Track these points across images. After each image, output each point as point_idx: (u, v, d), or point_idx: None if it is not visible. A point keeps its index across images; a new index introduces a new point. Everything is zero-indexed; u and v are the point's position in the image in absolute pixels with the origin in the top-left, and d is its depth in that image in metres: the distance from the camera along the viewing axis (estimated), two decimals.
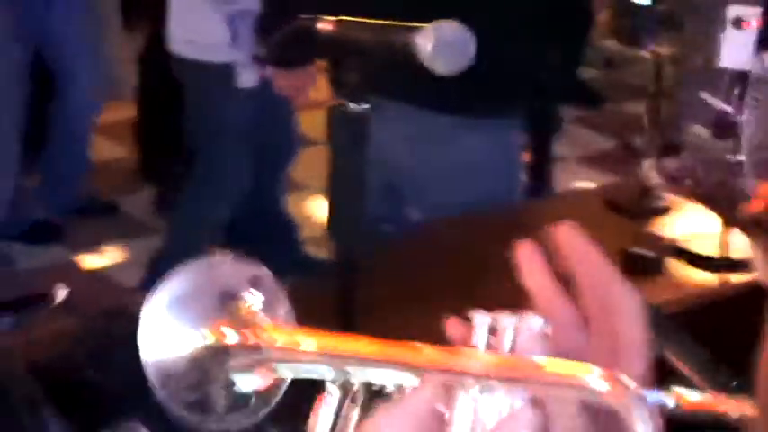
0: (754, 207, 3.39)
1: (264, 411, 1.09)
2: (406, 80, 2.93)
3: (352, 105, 1.85)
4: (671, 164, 3.98)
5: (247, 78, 4.30)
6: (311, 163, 5.04)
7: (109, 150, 5.97)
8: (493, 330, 0.90)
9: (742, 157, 3.07)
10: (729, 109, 3.28)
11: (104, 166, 5.79)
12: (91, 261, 5.14)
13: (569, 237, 0.93)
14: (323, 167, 5.44)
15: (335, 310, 1.94)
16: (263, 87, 4.20)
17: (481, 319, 0.90)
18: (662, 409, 0.80)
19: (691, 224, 3.24)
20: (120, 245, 5.29)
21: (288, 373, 1.08)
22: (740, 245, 3.08)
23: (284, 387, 1.09)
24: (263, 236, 4.66)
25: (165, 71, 4.61)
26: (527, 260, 0.93)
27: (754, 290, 2.96)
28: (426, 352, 0.91)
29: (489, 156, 3.38)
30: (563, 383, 0.83)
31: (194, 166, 4.56)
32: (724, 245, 3.07)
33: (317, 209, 5.53)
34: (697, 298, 2.89)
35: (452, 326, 0.94)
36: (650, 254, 3.02)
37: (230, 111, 4.39)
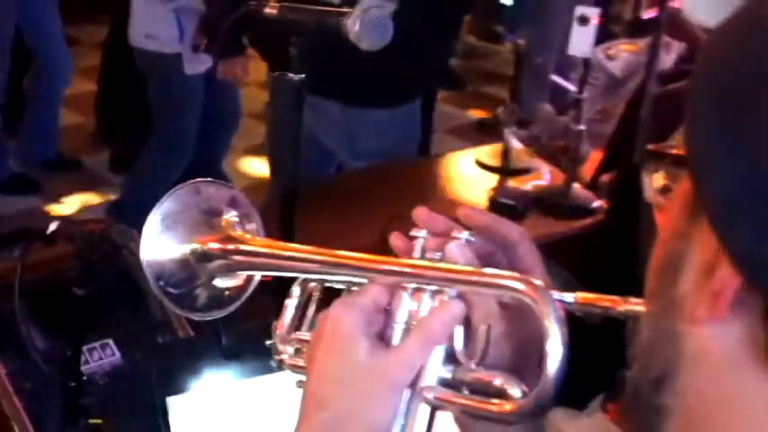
0: (587, 168, 3.41)
1: (236, 305, 1.09)
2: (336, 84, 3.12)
3: (291, 75, 1.83)
4: (525, 132, 4.03)
5: (192, 67, 4.26)
6: (240, 130, 5.04)
7: (73, 118, 5.86)
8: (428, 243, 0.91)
9: (581, 127, 3.11)
10: (573, 88, 3.33)
11: (70, 131, 5.70)
12: (59, 206, 5.06)
13: (464, 211, 0.94)
14: (250, 134, 5.39)
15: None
16: (212, 71, 4.19)
17: (420, 234, 0.91)
18: (563, 304, 0.81)
19: (543, 179, 3.27)
20: (82, 194, 5.21)
21: (256, 273, 1.08)
22: (580, 196, 3.13)
23: (253, 285, 1.09)
24: None
25: (122, 55, 4.57)
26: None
27: (591, 231, 3.02)
28: (374, 259, 0.92)
29: (396, 123, 3.43)
30: (487, 284, 0.84)
31: (155, 134, 4.52)
32: (567, 196, 3.11)
33: (244, 167, 5.52)
34: (550, 237, 2.92)
35: (396, 238, 0.94)
36: (513, 203, 3.05)
37: (184, 91, 4.37)
